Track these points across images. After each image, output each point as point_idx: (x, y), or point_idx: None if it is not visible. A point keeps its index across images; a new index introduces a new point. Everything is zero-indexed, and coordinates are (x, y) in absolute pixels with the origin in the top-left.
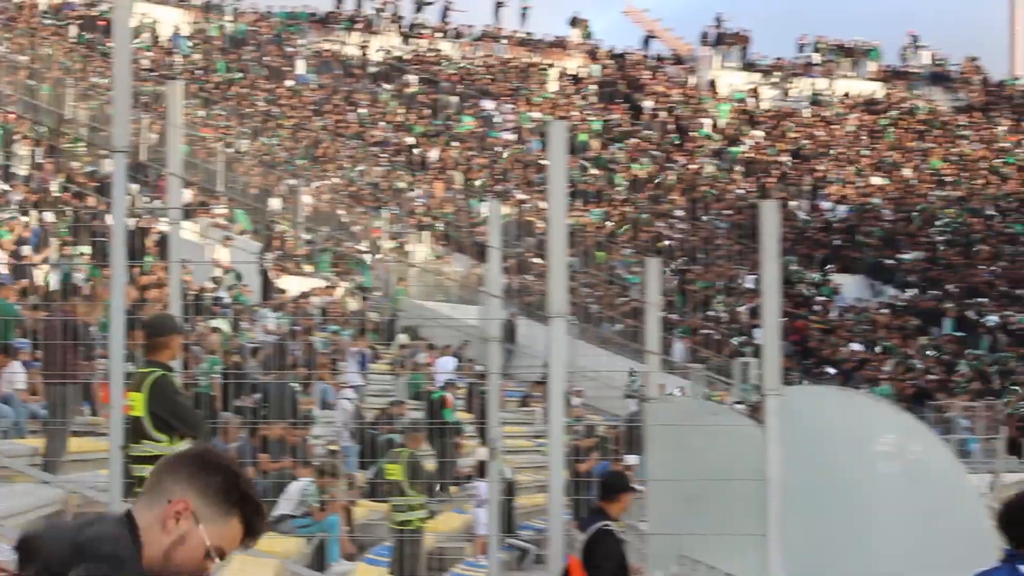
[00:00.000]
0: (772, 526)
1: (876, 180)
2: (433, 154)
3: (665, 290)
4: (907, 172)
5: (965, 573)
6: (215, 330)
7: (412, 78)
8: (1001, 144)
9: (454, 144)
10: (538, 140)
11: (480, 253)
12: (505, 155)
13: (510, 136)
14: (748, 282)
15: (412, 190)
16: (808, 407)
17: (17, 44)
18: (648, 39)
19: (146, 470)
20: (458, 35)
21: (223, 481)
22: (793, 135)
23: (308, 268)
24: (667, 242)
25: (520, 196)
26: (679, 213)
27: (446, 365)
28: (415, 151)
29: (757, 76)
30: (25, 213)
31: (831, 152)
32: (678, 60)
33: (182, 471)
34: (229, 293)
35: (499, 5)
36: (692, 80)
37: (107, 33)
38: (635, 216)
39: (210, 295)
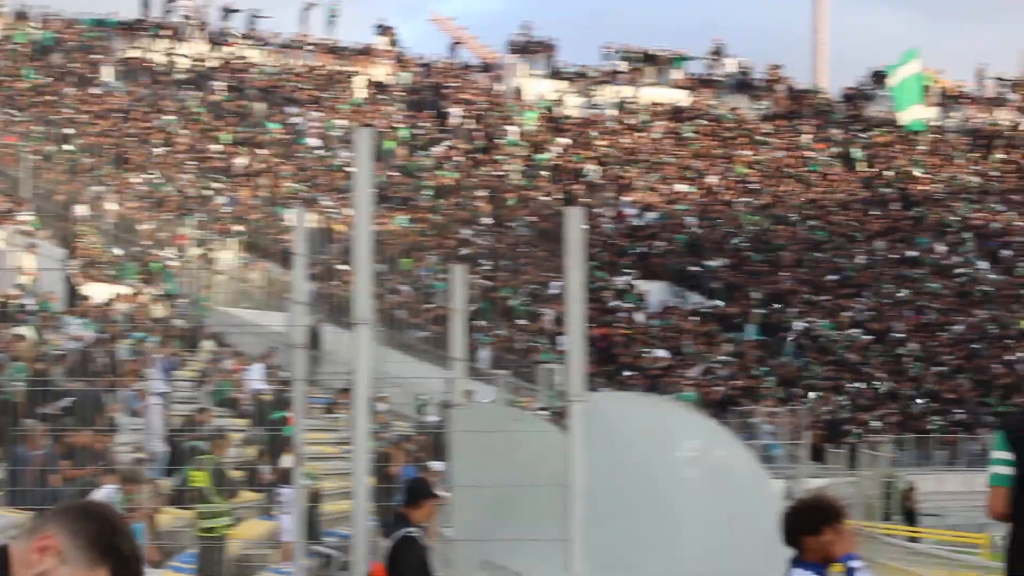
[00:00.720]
0: (576, 531)
1: (681, 187)
2: (240, 161)
3: (471, 297)
4: (712, 179)
5: None
6: (20, 337)
7: (219, 85)
8: (804, 151)
9: (261, 151)
10: (344, 147)
11: (286, 260)
12: (312, 162)
13: (317, 143)
14: (553, 289)
15: (219, 197)
16: (612, 413)
17: None
18: (455, 47)
19: None
20: (265, 43)
21: (98, 530)
22: (599, 143)
23: (113, 274)
24: (473, 249)
25: (326, 203)
26: (485, 220)
27: (254, 372)
28: (222, 158)
29: (563, 84)
30: None
31: (637, 159)
32: (485, 68)
33: (65, 513)
34: (35, 300)
35: (306, 12)
36: (498, 88)
37: None
38: (441, 223)
39: (15, 302)
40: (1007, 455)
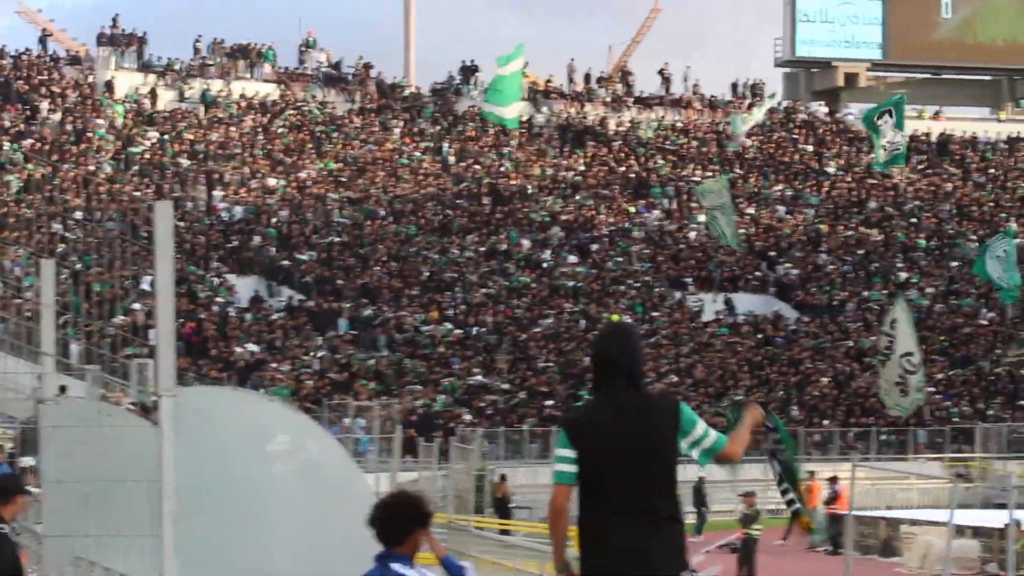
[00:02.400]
0: (167, 526)
1: (272, 181)
2: None
3: (61, 291)
4: (303, 174)
5: (359, 572)
6: None
7: None
8: (395, 146)
9: None
10: None
11: None
12: None
13: None
14: (145, 283)
15: None
16: (203, 408)
17: None
18: (43, 39)
19: None
20: None
21: None
22: (189, 136)
23: None
24: (63, 243)
25: None
26: (76, 214)
27: None
28: None
29: (153, 77)
30: None
31: (227, 153)
32: (74, 60)
33: None
34: None
35: None
36: (88, 81)
37: None
38: (30, 217)
39: None
40: (569, 452)
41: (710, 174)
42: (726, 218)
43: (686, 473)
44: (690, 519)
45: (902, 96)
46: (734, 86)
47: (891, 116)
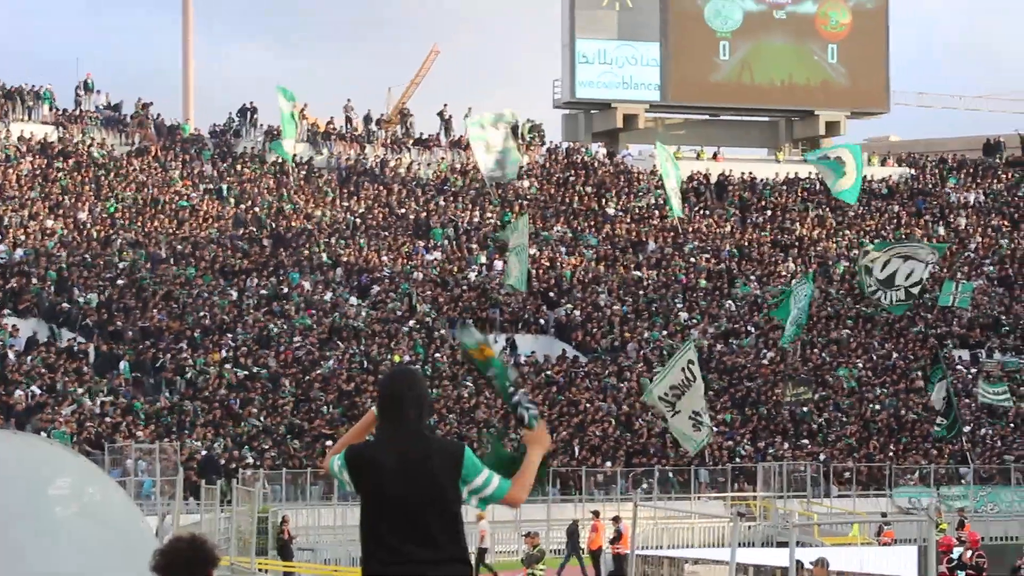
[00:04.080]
0: None
1: (51, 223)
2: None
3: None
4: (83, 215)
5: None
6: None
7: None
8: (175, 187)
9: None
10: None
11: None
12: None
13: None
14: None
15: None
16: None
17: None
18: None
19: None
20: None
21: None
22: None
23: None
24: None
25: None
26: None
27: None
28: None
29: None
30: None
31: (5, 195)
32: None
33: None
34: None
35: None
36: None
37: None
38: None
39: None
40: (346, 476)
41: (490, 215)
42: (520, 260)
43: (564, 512)
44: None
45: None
46: (514, 128)
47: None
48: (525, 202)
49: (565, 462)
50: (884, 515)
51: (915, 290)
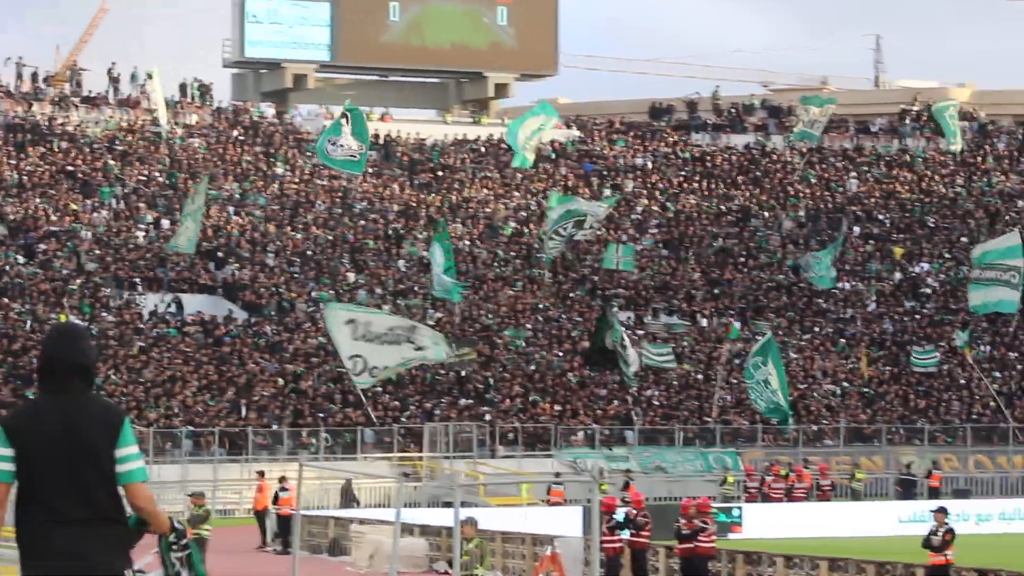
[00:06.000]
0: None
1: None
2: None
3: None
4: None
5: None
6: None
7: None
8: None
9: None
10: None
11: None
12: None
13: None
14: None
15: None
16: None
17: None
18: None
19: None
20: None
21: None
22: None
23: None
24: None
25: None
26: None
27: None
28: None
29: None
30: None
31: None
32: None
33: None
34: None
35: None
36: None
37: None
38: None
39: None
40: (7, 451)
41: (158, 175)
42: (195, 223)
43: (229, 473)
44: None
45: (353, 108)
46: (182, 87)
47: (347, 122)
48: (194, 161)
49: (232, 423)
50: (558, 475)
51: (575, 233)
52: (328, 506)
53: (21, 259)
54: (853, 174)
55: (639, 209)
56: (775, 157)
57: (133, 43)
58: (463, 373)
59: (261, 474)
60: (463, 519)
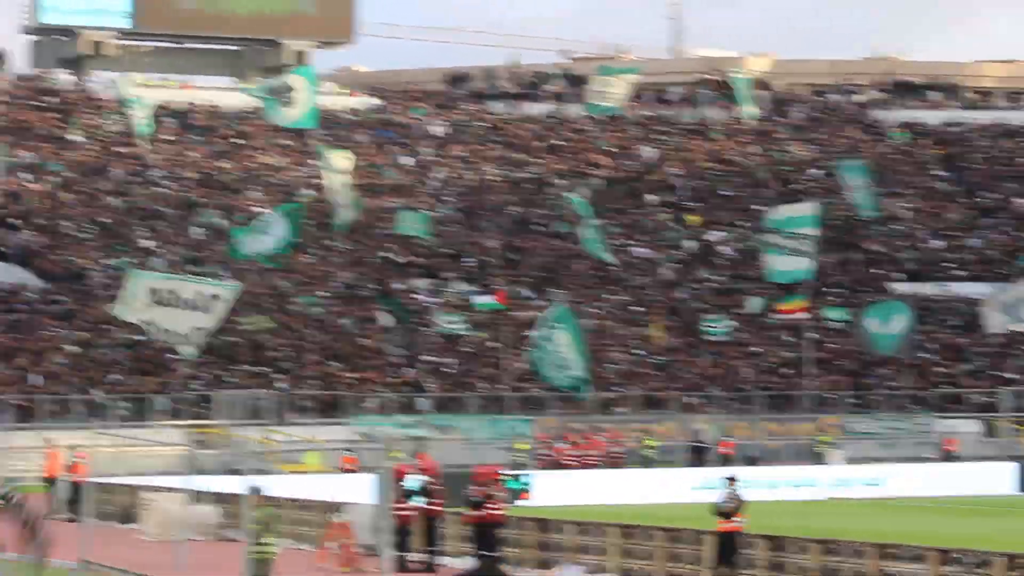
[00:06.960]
0: None
1: None
2: None
3: None
4: None
5: None
6: None
7: None
8: None
9: None
10: None
11: None
12: None
13: None
14: None
15: None
16: None
17: None
18: None
19: None
20: None
21: None
22: None
23: None
24: None
25: None
26: None
27: None
28: None
29: None
30: None
31: None
32: None
33: None
34: None
35: None
36: None
37: None
38: None
39: None
40: None
41: None
42: None
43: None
44: None
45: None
46: None
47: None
48: None
49: (22, 388)
50: (350, 446)
51: None
52: (120, 474)
53: None
54: (649, 143)
55: (440, 175)
56: (574, 127)
57: None
58: (257, 339)
59: (50, 442)
60: (250, 488)
